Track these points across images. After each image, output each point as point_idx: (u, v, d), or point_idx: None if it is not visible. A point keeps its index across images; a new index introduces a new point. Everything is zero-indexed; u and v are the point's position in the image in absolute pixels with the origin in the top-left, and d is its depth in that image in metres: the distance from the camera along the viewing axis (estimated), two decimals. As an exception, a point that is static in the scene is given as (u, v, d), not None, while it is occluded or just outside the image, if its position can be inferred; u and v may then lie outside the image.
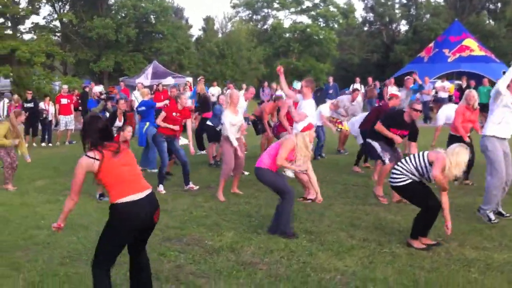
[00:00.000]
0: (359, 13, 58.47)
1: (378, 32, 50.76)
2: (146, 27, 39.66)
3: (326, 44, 45.85)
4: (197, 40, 50.89)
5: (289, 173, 8.49)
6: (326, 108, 12.10)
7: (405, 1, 50.19)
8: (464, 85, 20.71)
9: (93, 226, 6.49)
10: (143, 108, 10.94)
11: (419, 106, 7.79)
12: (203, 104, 13.47)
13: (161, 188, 8.78)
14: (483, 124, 7.53)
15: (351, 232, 6.34)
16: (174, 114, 8.95)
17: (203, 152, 12.68)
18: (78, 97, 19.64)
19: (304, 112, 7.98)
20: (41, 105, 17.00)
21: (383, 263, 5.27)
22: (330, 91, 21.67)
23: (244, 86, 14.16)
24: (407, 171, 5.80)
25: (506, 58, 31.43)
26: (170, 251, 5.61)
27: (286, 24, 50.05)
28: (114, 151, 3.91)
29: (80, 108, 19.08)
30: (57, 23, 39.88)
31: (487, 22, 45.01)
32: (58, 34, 40.52)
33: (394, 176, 5.91)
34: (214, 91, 20.81)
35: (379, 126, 7.75)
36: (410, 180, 5.79)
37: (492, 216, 6.70)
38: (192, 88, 20.00)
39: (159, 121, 8.94)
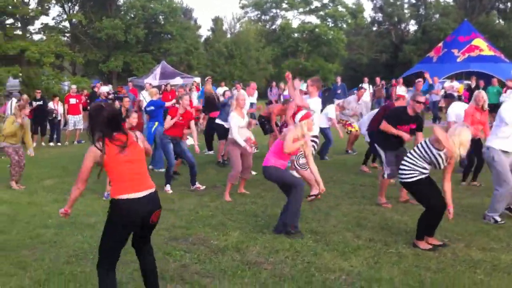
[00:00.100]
0: (368, 13, 58.39)
1: (387, 32, 50.61)
2: (155, 28, 39.85)
3: (335, 44, 45.85)
4: (206, 40, 51.02)
5: (293, 174, 8.48)
6: (332, 110, 12.08)
7: (414, 1, 49.99)
8: (473, 85, 20.58)
9: (100, 225, 6.44)
10: (152, 107, 10.96)
11: (422, 98, 7.67)
12: (209, 103, 13.48)
13: (168, 188, 8.80)
14: (492, 125, 7.46)
15: (357, 232, 6.32)
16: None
17: (211, 152, 12.71)
18: (87, 97, 19.75)
19: (314, 110, 7.94)
20: (51, 105, 17.10)
21: (389, 263, 5.25)
22: (338, 91, 21.61)
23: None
24: (415, 165, 5.74)
25: (516, 58, 31.20)
26: (175, 251, 5.62)
27: (295, 24, 50.17)
28: (121, 145, 3.86)
29: (88, 108, 19.17)
30: (66, 23, 40.22)
31: (497, 22, 44.75)
32: (68, 35, 40.85)
33: (403, 172, 5.85)
34: (221, 91, 20.83)
35: (385, 126, 7.61)
36: (418, 177, 5.72)
37: (498, 218, 6.65)
38: (200, 88, 20.04)
39: (166, 126, 8.95)
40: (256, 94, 16.28)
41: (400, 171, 5.92)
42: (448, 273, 4.97)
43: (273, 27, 52.96)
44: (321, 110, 9.88)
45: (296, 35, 48.17)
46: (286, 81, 9.62)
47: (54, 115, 16.87)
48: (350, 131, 12.46)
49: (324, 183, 8.95)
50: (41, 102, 16.53)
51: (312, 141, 7.88)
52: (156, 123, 10.65)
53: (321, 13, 49.76)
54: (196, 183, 9.00)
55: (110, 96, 16.28)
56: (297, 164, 7.85)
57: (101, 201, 8.02)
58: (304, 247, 5.75)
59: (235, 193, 8.38)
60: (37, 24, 40.12)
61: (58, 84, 27.13)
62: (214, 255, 5.53)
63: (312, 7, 50.35)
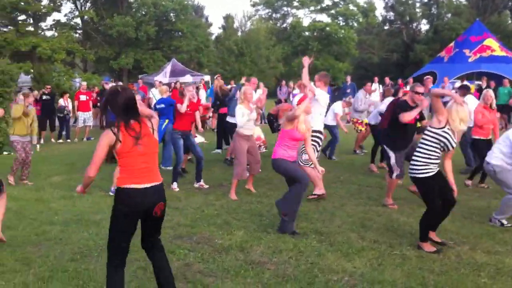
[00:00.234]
0: (379, 11, 58.13)
1: (398, 31, 50.43)
2: (166, 25, 39.93)
3: (345, 43, 45.73)
4: (216, 38, 51.06)
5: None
6: (339, 106, 12.08)
7: (426, 0, 49.73)
8: (484, 85, 20.42)
9: (105, 222, 6.49)
10: (162, 105, 10.99)
11: (420, 89, 7.65)
12: (220, 100, 13.44)
13: (175, 185, 8.81)
14: (502, 126, 7.43)
15: (362, 233, 6.30)
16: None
17: (219, 151, 12.73)
18: (97, 94, 19.86)
19: (318, 101, 7.86)
20: (61, 102, 17.21)
21: (393, 265, 5.23)
22: (348, 90, 21.54)
23: (261, 85, 14.11)
24: (428, 157, 5.64)
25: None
26: (179, 249, 5.63)
27: (306, 22, 50.02)
28: (136, 136, 3.81)
29: (98, 105, 19.30)
30: (78, 20, 40.42)
31: (510, 22, 44.39)
32: (79, 32, 41.04)
33: (414, 167, 5.75)
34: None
35: (405, 116, 7.43)
36: (429, 174, 5.64)
37: (505, 221, 6.61)
38: (207, 87, 20.06)
39: (183, 110, 8.91)
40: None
41: (412, 166, 5.79)
42: (452, 276, 4.94)
43: (284, 25, 52.93)
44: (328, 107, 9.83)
45: (306, 33, 48.06)
46: (295, 80, 9.67)
47: (65, 111, 17.00)
48: (360, 130, 12.42)
49: (331, 183, 9.07)
50: (48, 97, 16.69)
51: (316, 136, 7.84)
52: (167, 121, 10.67)
53: (332, 11, 49.65)
54: (202, 180, 9.01)
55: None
56: (300, 161, 7.82)
57: (107, 199, 8.04)
58: (308, 247, 5.74)
59: (241, 192, 8.38)
60: (49, 21, 40.39)
61: (69, 80, 27.35)
62: (217, 254, 5.54)
63: (324, 5, 50.23)
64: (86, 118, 17.39)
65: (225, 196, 8.23)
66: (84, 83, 19.82)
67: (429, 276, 4.93)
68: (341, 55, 46.96)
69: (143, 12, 39.53)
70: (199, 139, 11.19)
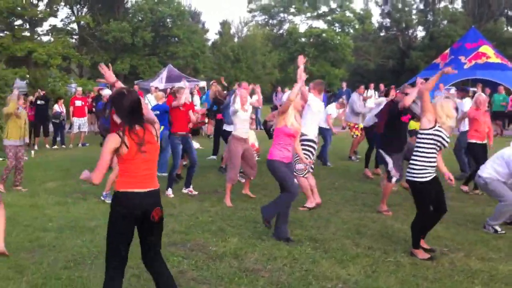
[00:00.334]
0: (376, 18, 58.33)
1: (394, 38, 50.57)
2: (162, 31, 39.94)
3: (342, 50, 45.83)
4: (213, 44, 51.10)
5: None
6: (332, 108, 12.16)
7: (422, 7, 49.93)
8: (479, 92, 20.50)
9: (100, 229, 6.52)
10: (157, 112, 10.99)
11: (409, 90, 7.68)
12: (217, 105, 13.42)
13: (169, 192, 8.79)
14: (497, 133, 7.50)
15: (357, 240, 6.30)
16: (180, 108, 9.06)
17: (214, 157, 12.73)
18: (92, 99, 19.82)
19: (310, 107, 7.86)
20: (57, 107, 17.12)
21: (387, 272, 5.23)
22: (343, 97, 21.55)
23: (253, 85, 14.11)
24: (425, 160, 5.63)
25: (523, 66, 31.04)
26: (173, 256, 5.61)
27: (302, 29, 50.15)
28: (139, 143, 3.76)
29: (94, 110, 19.26)
30: (74, 25, 40.38)
31: (505, 29, 44.61)
32: (75, 37, 40.98)
33: (412, 170, 5.71)
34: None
35: (406, 100, 7.32)
36: (427, 178, 5.62)
37: (498, 228, 6.63)
38: (201, 93, 20.04)
39: (175, 104, 8.97)
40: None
41: (410, 170, 5.75)
42: (445, 283, 4.94)
43: (280, 31, 53.05)
44: None
45: (303, 39, 48.17)
46: (290, 86, 9.63)
47: (61, 117, 16.95)
48: (357, 135, 12.45)
49: (325, 189, 9.09)
50: (43, 102, 16.67)
51: (310, 146, 7.79)
52: (162, 127, 10.67)
53: (329, 18, 49.81)
54: (191, 186, 8.99)
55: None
56: (294, 170, 7.81)
57: (101, 206, 8.00)
58: (302, 255, 5.73)
59: (236, 199, 8.37)
60: (45, 26, 40.21)
61: (64, 86, 27.27)
62: (211, 261, 5.52)
63: (320, 12, 50.40)
64: (81, 123, 17.31)
65: (220, 202, 8.22)
66: (79, 89, 19.78)
67: (423, 283, 4.93)
68: (337, 62, 47.07)
69: (140, 18, 39.53)
70: (194, 145, 11.17)
